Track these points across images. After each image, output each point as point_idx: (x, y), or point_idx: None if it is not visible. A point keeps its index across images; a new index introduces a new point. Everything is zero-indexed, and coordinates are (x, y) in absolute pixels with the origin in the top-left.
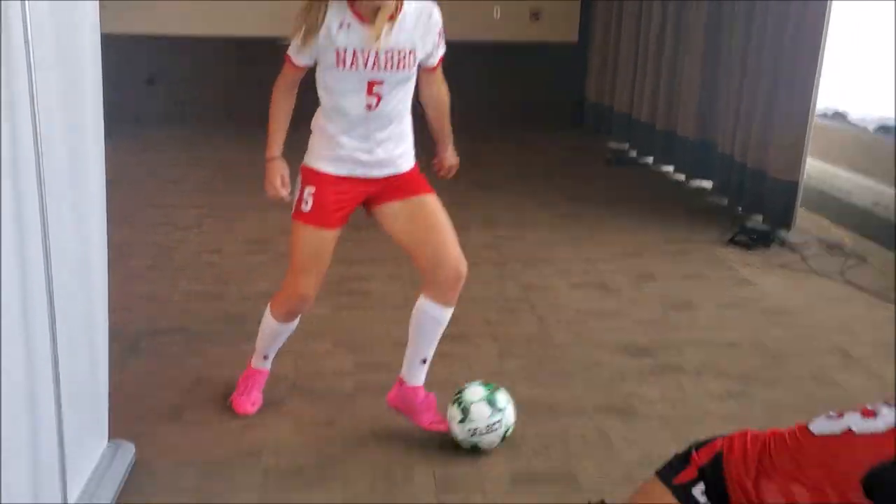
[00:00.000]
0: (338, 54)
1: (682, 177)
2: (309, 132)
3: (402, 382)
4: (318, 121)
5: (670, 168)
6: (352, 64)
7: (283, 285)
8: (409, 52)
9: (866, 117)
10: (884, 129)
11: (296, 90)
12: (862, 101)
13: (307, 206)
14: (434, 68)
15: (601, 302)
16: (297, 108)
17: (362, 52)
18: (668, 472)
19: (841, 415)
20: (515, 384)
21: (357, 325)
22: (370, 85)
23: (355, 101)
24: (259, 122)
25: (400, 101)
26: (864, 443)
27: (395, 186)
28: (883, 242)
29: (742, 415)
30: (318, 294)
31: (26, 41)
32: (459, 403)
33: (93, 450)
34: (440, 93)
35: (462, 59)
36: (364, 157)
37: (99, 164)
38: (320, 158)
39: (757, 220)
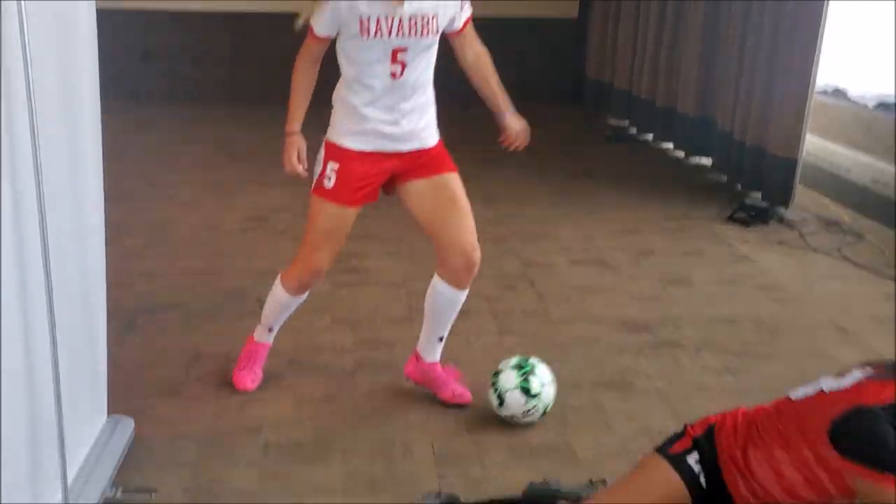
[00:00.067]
0: (361, 23)
1: (681, 154)
2: (326, 106)
3: (418, 358)
4: (341, 93)
5: (670, 145)
6: (376, 32)
7: (297, 259)
8: (433, 17)
9: (866, 94)
10: (883, 105)
11: (319, 64)
12: (861, 79)
13: (330, 183)
14: (462, 30)
15: (600, 278)
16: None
17: (386, 19)
18: (664, 445)
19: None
20: None
21: (356, 301)
22: (394, 53)
23: (380, 70)
24: (258, 97)
25: (424, 70)
26: (831, 398)
27: (420, 163)
28: (881, 219)
29: (739, 389)
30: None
31: (20, 13)
32: (495, 389)
33: (92, 425)
34: (478, 53)
35: None
36: (389, 129)
37: (95, 141)
38: (344, 133)
39: (756, 197)
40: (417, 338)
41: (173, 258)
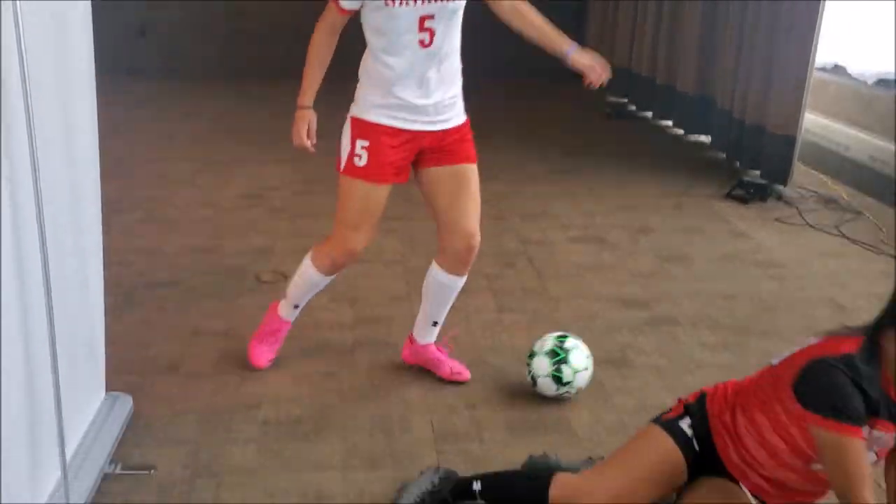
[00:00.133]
0: None
1: (680, 131)
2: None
3: (412, 340)
4: (368, 66)
5: (669, 122)
6: (402, 0)
7: (330, 239)
8: None
9: (865, 72)
10: (883, 82)
11: (337, 37)
12: (861, 56)
13: (361, 161)
14: None
15: (598, 255)
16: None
17: None
18: (659, 415)
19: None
20: (513, 336)
21: (355, 279)
22: (422, 20)
23: (408, 39)
24: (256, 73)
25: (452, 37)
26: (799, 354)
27: (446, 146)
28: (880, 197)
29: (736, 365)
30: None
31: None
32: (529, 371)
33: (90, 403)
34: (513, 2)
35: None
36: (420, 101)
37: (91, 118)
38: (373, 108)
39: (754, 175)
40: (414, 316)
41: (171, 235)
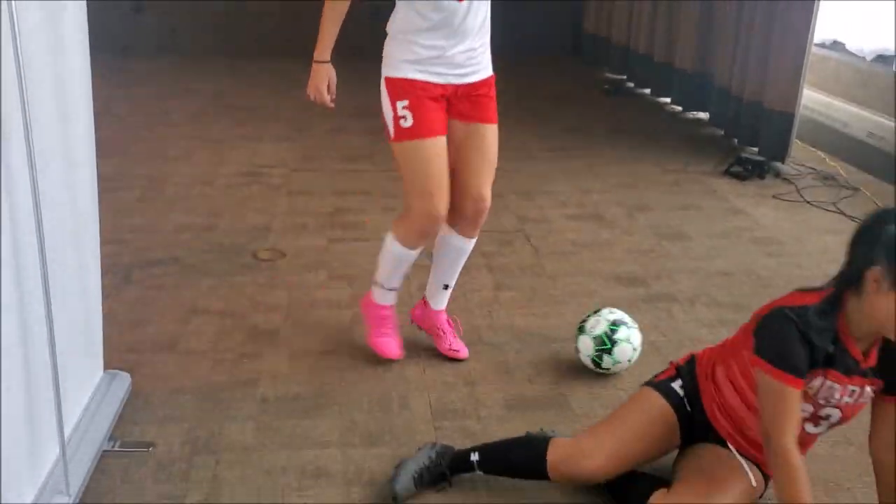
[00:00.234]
0: None
1: (678, 108)
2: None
3: (425, 303)
4: (398, 22)
5: (667, 99)
6: None
7: (409, 213)
8: None
9: (864, 48)
10: (881, 58)
11: None
12: (859, 32)
13: (408, 122)
14: None
15: (596, 233)
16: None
17: None
18: (651, 377)
19: None
20: (511, 313)
21: (352, 257)
22: None
23: None
24: (252, 51)
25: None
26: (768, 305)
27: (470, 100)
28: (878, 173)
29: None
30: (315, 224)
31: None
32: (575, 342)
33: (88, 381)
34: None
35: None
36: (452, 50)
37: (86, 95)
38: (404, 64)
39: (752, 152)
40: (412, 294)
41: (167, 213)
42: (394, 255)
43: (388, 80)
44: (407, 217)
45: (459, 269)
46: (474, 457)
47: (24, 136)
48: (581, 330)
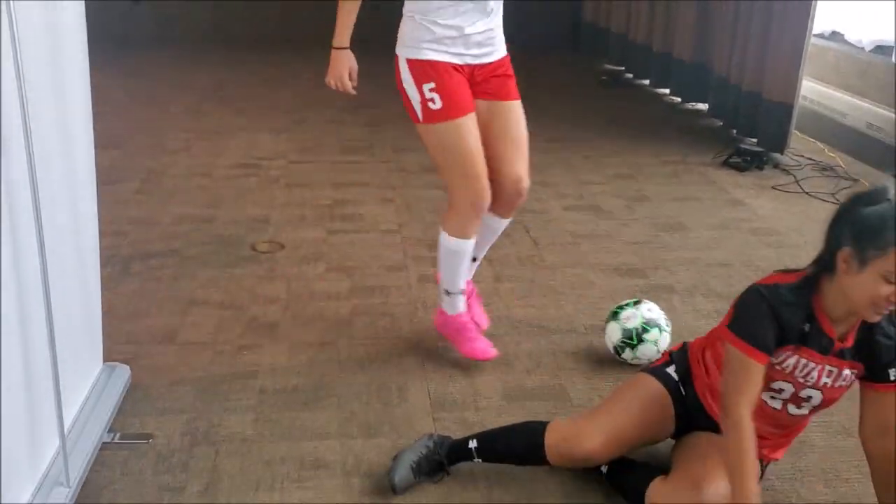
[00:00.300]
0: None
1: (677, 99)
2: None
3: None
4: (415, 2)
5: (666, 90)
6: None
7: (454, 205)
8: None
9: (863, 39)
10: (880, 49)
11: None
12: (859, 23)
13: (437, 104)
14: None
15: (594, 224)
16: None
17: None
18: (646, 365)
19: None
20: (510, 304)
21: (351, 249)
22: None
23: None
24: (250, 42)
25: None
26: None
27: (490, 80)
28: (877, 164)
29: None
30: (314, 216)
31: None
32: (604, 328)
33: (87, 373)
34: None
35: None
36: (469, 29)
37: (84, 86)
38: (424, 44)
39: (751, 142)
40: (411, 285)
41: (166, 205)
42: (452, 252)
43: (409, 62)
44: (454, 211)
45: (489, 245)
46: (472, 444)
47: (23, 133)
48: (615, 316)
